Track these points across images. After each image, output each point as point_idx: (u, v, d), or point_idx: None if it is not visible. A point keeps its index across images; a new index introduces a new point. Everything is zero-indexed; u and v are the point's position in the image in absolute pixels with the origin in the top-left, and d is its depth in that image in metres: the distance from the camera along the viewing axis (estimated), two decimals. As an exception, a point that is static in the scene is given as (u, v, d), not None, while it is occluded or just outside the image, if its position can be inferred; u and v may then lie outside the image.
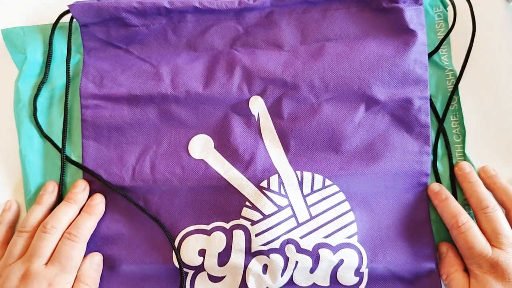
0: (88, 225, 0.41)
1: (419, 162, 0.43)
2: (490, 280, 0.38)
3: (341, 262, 0.41)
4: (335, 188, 0.43)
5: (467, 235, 0.39)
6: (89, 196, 0.43)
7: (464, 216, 0.40)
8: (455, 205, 0.41)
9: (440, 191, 0.42)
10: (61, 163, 0.44)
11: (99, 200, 0.43)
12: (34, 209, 0.42)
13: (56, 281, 0.38)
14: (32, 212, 0.42)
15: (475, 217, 0.41)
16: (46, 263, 0.39)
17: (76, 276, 0.40)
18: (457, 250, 0.41)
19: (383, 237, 0.43)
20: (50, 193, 0.43)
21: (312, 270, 0.42)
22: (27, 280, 0.38)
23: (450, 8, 0.45)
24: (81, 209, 0.43)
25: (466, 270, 0.40)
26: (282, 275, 0.42)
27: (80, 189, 0.43)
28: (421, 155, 0.43)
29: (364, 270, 0.42)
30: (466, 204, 0.43)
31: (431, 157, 0.44)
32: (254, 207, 0.42)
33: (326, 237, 0.42)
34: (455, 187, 0.43)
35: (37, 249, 0.39)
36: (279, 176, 0.43)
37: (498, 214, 0.40)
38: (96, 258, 0.42)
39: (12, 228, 0.44)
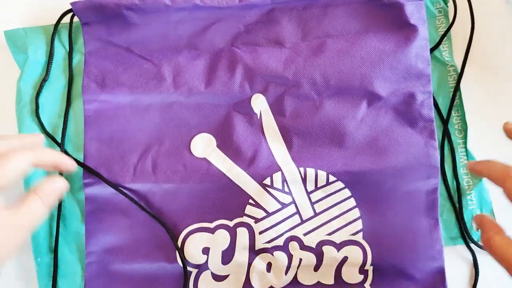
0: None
1: (425, 157, 0.42)
2: None
3: (345, 259, 0.41)
4: (339, 184, 0.42)
5: None
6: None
7: None
8: (501, 164, 0.36)
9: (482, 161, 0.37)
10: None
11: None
12: None
13: None
14: None
15: None
16: None
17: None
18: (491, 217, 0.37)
19: (389, 234, 0.42)
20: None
21: (316, 268, 0.41)
22: None
23: (450, 4, 0.45)
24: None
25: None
26: (286, 273, 0.41)
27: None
28: (427, 149, 0.42)
29: (369, 267, 0.41)
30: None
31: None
32: (257, 205, 0.42)
33: (330, 234, 0.42)
34: (459, 189, 0.43)
35: None
36: (282, 173, 0.42)
37: None
38: (60, 183, 0.35)
39: None
